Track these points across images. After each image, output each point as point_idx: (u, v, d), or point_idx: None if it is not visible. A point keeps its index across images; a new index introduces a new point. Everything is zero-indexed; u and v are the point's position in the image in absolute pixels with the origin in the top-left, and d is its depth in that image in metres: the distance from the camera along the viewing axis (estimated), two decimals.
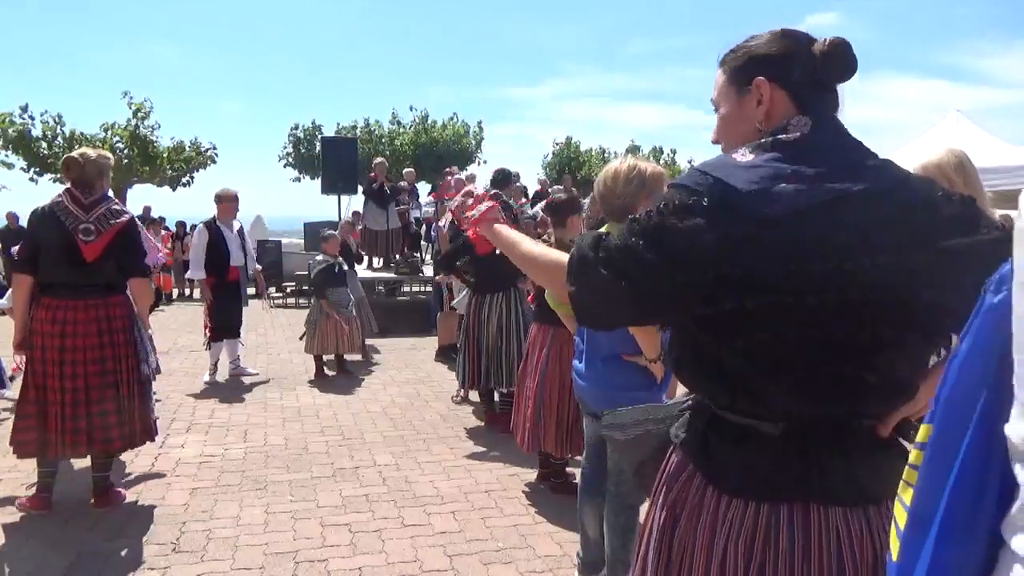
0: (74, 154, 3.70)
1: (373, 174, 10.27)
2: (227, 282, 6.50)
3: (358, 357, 7.44)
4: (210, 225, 6.55)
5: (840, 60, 1.22)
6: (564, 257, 1.35)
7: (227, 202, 6.60)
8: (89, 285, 3.64)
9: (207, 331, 6.59)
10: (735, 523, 1.20)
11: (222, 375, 6.75)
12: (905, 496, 0.80)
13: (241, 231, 6.82)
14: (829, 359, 1.14)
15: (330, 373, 6.93)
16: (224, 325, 6.57)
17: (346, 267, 7.24)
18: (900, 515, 0.80)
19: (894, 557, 0.79)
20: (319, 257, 7.19)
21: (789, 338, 1.14)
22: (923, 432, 0.79)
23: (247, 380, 6.69)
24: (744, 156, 1.18)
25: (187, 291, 14.30)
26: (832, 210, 1.10)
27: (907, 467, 0.81)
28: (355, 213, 12.43)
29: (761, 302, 1.12)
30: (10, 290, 5.98)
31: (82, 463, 4.20)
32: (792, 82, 1.23)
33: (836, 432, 1.18)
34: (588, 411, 2.92)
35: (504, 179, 8.10)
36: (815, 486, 1.17)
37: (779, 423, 1.19)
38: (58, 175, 18.02)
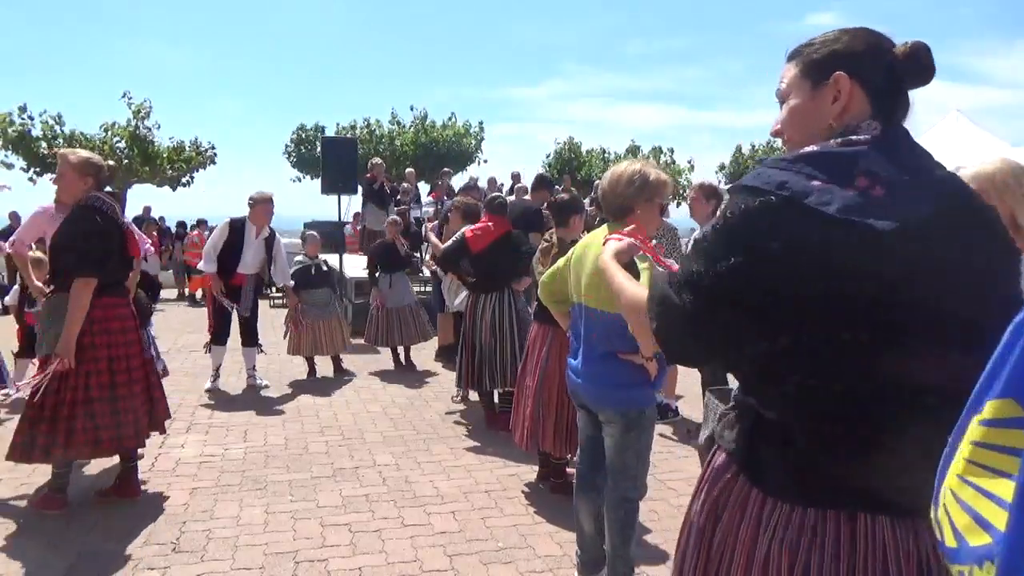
0: (92, 158, 3.67)
1: (370, 175, 10.25)
2: (228, 285, 6.30)
3: (373, 358, 7.42)
4: (234, 224, 6.27)
5: (922, 63, 1.20)
6: (644, 294, 1.32)
7: (260, 205, 6.30)
8: (125, 283, 3.83)
9: (209, 332, 6.46)
10: (779, 525, 1.18)
11: (231, 382, 6.59)
12: (1005, 464, 0.76)
13: (271, 240, 6.46)
14: (890, 370, 1.10)
15: (325, 375, 6.90)
16: (217, 329, 6.39)
17: (325, 268, 7.08)
18: (1001, 488, 0.76)
19: (1002, 527, 0.76)
20: (298, 258, 7.23)
21: (847, 350, 1.09)
22: (1003, 408, 0.76)
23: (254, 387, 6.51)
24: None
25: (186, 291, 14.29)
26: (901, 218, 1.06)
27: (981, 448, 0.78)
28: (356, 214, 12.41)
29: (824, 309, 1.08)
30: (14, 289, 6.00)
31: (81, 463, 4.20)
32: (872, 81, 1.21)
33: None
34: (580, 403, 2.93)
35: (542, 185, 8.08)
36: (862, 494, 1.14)
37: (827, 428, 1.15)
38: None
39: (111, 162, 3.87)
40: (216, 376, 6.47)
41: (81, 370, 3.49)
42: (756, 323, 1.13)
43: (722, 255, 1.11)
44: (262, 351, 6.80)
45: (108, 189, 3.78)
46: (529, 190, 8.36)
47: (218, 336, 6.41)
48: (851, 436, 1.14)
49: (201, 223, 15.21)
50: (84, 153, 3.72)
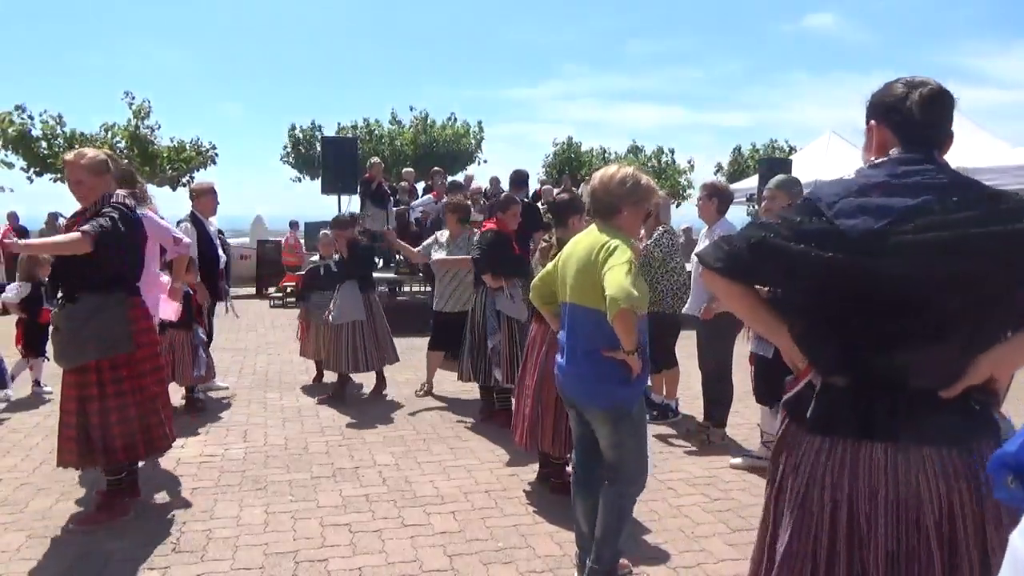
0: (99, 155, 3.53)
1: (368, 175, 10.23)
2: (216, 286, 5.95)
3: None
4: (196, 222, 5.83)
5: (926, 109, 1.61)
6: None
7: (207, 195, 5.94)
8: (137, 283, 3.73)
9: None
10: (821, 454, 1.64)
11: (230, 382, 6.48)
12: None
13: (219, 230, 6.22)
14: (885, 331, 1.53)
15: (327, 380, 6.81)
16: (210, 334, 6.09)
17: (335, 270, 6.65)
18: None
19: None
20: (312, 257, 7.07)
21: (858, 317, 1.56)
22: None
23: (216, 394, 6.14)
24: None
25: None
26: (881, 217, 1.49)
27: None
28: (354, 215, 12.40)
29: (832, 284, 1.55)
30: (15, 285, 5.96)
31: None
32: (898, 125, 1.65)
33: (895, 389, 1.55)
34: (570, 402, 2.94)
35: (520, 181, 8.23)
36: (870, 427, 1.56)
37: (846, 377, 1.60)
38: (58, 175, 18.03)
39: (125, 160, 3.85)
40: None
41: (146, 367, 3.58)
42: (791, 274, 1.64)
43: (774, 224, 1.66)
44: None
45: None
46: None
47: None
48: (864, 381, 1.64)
49: (294, 225, 15.09)
50: (90, 152, 3.53)
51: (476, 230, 5.88)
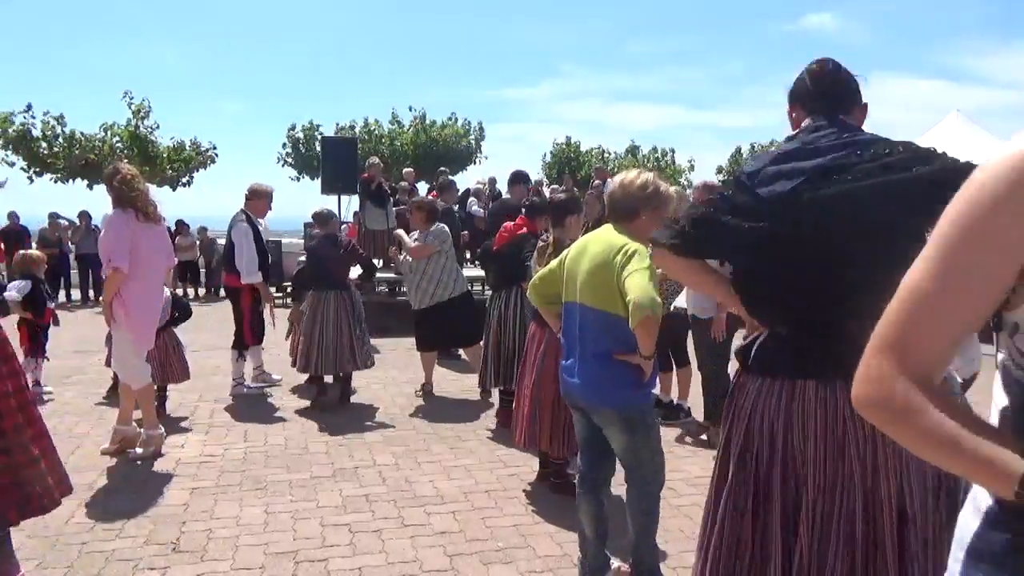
0: None
1: (367, 175, 10.21)
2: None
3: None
4: (252, 221, 5.98)
5: (816, 79, 1.86)
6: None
7: (261, 199, 6.14)
8: None
9: (248, 336, 6.17)
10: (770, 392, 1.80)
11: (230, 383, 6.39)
12: None
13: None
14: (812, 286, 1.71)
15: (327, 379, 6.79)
16: (260, 332, 6.31)
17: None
18: None
19: None
20: (302, 257, 7.09)
21: (785, 272, 1.74)
22: None
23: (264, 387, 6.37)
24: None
25: (190, 291, 14.26)
26: (797, 181, 1.67)
27: None
28: (356, 214, 12.40)
29: (766, 247, 1.73)
30: (17, 283, 5.93)
31: (75, 468, 4.20)
32: (802, 99, 1.90)
33: (831, 337, 1.68)
34: (575, 405, 2.93)
35: (518, 180, 8.21)
36: (803, 367, 1.73)
37: (788, 328, 1.77)
38: (58, 175, 18.05)
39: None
40: (254, 374, 6.44)
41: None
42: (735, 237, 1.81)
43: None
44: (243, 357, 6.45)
45: None
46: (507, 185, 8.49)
47: (257, 338, 6.36)
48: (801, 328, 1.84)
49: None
50: None
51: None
